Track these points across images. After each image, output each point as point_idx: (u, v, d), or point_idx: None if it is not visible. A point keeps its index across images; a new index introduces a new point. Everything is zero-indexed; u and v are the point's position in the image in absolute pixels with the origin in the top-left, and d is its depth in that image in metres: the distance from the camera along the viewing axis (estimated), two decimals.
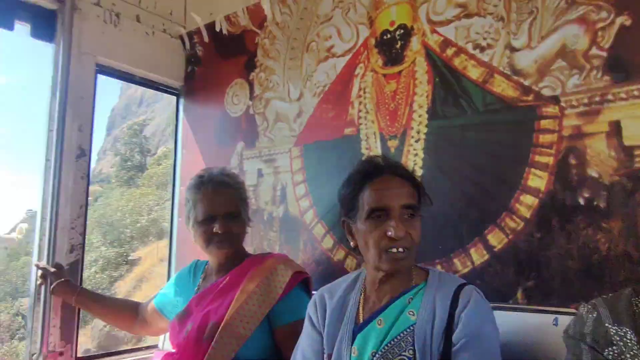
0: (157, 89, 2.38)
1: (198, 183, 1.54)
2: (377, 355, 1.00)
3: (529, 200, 1.31)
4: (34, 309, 1.81)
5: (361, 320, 1.09)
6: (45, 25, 1.95)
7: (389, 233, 1.01)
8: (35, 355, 1.77)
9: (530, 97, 1.34)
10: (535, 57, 1.34)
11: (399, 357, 0.98)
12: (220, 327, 1.36)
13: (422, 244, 1.11)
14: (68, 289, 1.75)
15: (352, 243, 1.13)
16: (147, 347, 2.13)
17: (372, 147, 1.65)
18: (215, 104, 2.20)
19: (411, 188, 1.08)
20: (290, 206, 1.86)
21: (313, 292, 1.57)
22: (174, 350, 1.51)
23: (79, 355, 1.92)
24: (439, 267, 1.44)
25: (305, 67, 1.88)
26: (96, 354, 2.01)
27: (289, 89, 1.93)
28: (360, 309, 1.11)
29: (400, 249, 1.02)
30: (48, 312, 1.80)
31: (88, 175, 2.01)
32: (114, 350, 2.07)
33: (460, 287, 1.02)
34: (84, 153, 1.99)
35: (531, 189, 1.31)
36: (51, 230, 1.84)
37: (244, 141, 2.06)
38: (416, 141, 1.54)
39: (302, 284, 1.49)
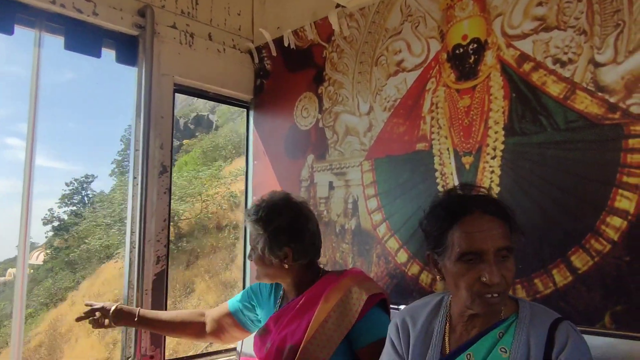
0: (229, 103, 2.48)
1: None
2: None
3: (617, 222, 1.27)
4: None
5: (447, 352, 1.10)
6: (128, 50, 2.08)
7: (484, 279, 0.99)
8: (130, 359, 1.93)
9: (617, 115, 1.29)
10: (622, 73, 1.29)
11: None
12: (298, 352, 1.39)
13: None
14: (126, 313, 1.73)
15: (438, 277, 1.13)
16: (227, 350, 2.25)
17: (445, 163, 1.65)
18: (284, 116, 2.27)
19: (504, 227, 1.04)
20: (362, 219, 1.90)
21: (392, 307, 1.61)
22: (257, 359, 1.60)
23: (166, 358, 2.07)
24: (518, 287, 1.43)
25: (374, 81, 1.90)
26: (183, 357, 2.15)
27: (358, 103, 1.95)
28: (447, 338, 1.12)
29: (495, 294, 1.01)
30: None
31: (169, 190, 2.14)
32: (198, 353, 2.21)
33: (555, 324, 1.01)
34: (165, 169, 2.12)
35: (618, 210, 1.27)
36: (140, 243, 1.99)
37: (314, 154, 2.12)
38: (492, 158, 1.53)
39: (379, 303, 1.49)
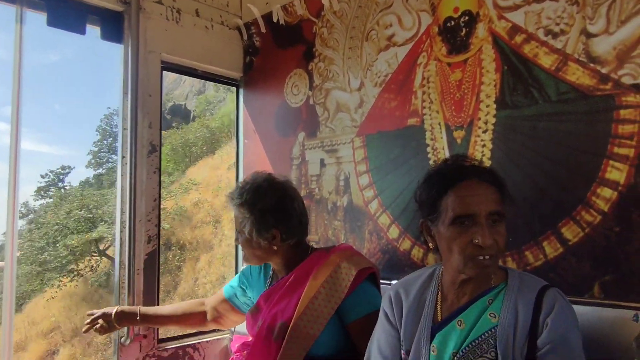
0: (218, 81, 2.45)
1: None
2: (457, 356, 1.03)
3: (607, 193, 1.27)
4: (119, 296, 1.96)
5: (440, 319, 1.11)
6: (113, 27, 2.03)
7: (476, 241, 1.01)
8: (123, 339, 1.93)
9: (609, 86, 1.29)
10: (614, 43, 1.28)
11: (480, 359, 1.01)
12: (289, 328, 1.40)
13: None
14: (127, 314, 1.75)
15: (430, 244, 1.14)
16: (220, 330, 2.26)
17: (437, 138, 1.64)
18: (275, 94, 2.24)
19: (497, 192, 1.07)
20: (354, 196, 1.90)
21: (384, 282, 1.62)
22: (250, 338, 1.60)
23: (160, 337, 2.07)
24: (509, 259, 1.44)
25: (365, 56, 1.88)
26: (175, 336, 2.15)
27: (349, 79, 1.93)
28: (438, 307, 1.13)
29: (487, 257, 1.02)
30: (132, 301, 1.94)
31: (159, 170, 2.12)
32: (191, 332, 2.21)
33: (543, 290, 1.03)
34: (154, 149, 2.09)
35: (609, 181, 1.27)
36: (130, 223, 1.97)
37: (305, 131, 2.10)
38: (484, 132, 1.52)
39: (369, 277, 1.50)
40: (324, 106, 2.02)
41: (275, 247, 1.52)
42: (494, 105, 1.50)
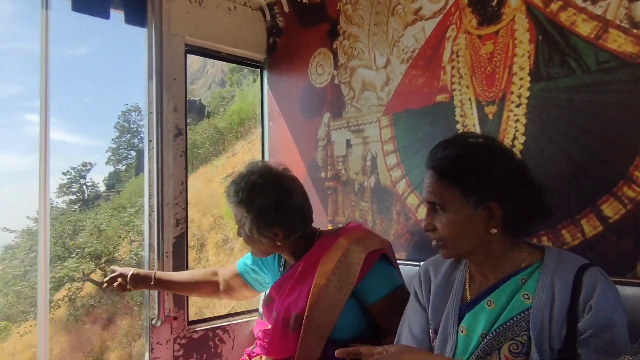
0: (242, 63, 2.42)
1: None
2: (487, 338, 0.99)
3: None
4: None
5: (468, 299, 1.08)
6: (136, 11, 2.02)
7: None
8: (154, 320, 1.96)
9: None
10: None
11: (511, 342, 0.96)
12: (303, 320, 1.36)
13: None
14: (142, 277, 1.75)
15: None
16: (249, 311, 2.27)
17: (467, 114, 1.58)
18: (299, 75, 2.21)
19: (436, 182, 1.04)
20: (381, 176, 1.86)
21: (412, 263, 1.58)
22: (269, 326, 1.58)
23: (190, 319, 2.10)
24: (544, 239, 1.38)
25: (391, 32, 1.82)
26: (205, 318, 2.17)
27: (374, 56, 1.88)
28: (467, 287, 1.09)
29: (434, 241, 1.07)
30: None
31: (185, 153, 2.12)
32: (222, 314, 2.23)
33: (582, 269, 0.97)
34: (180, 132, 2.09)
35: None
36: (158, 206, 1.98)
37: (330, 112, 2.06)
38: (517, 106, 1.46)
39: (381, 256, 1.44)
40: (350, 85, 1.98)
41: (278, 243, 1.46)
42: (528, 78, 1.43)
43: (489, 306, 1.02)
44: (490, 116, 1.52)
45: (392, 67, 1.82)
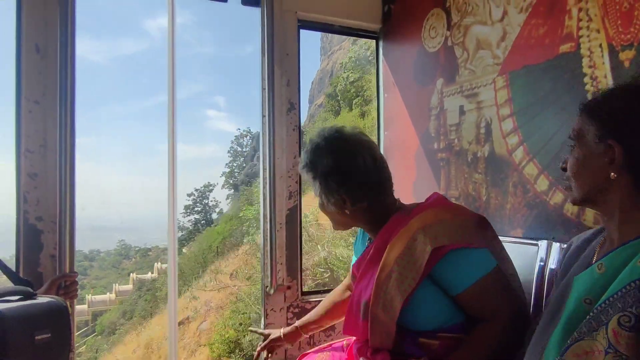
0: (357, 35, 2.38)
1: None
2: (594, 308, 0.82)
3: None
4: (264, 248, 2.07)
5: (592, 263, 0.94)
6: None
7: None
8: (268, 288, 2.05)
9: None
10: None
11: (621, 314, 0.77)
12: (369, 311, 1.25)
13: None
14: (290, 333, 1.71)
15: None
16: None
17: (597, 64, 1.31)
18: (412, 41, 2.07)
19: (580, 117, 0.96)
20: (496, 144, 1.65)
21: (530, 242, 1.39)
22: None
23: (303, 290, 2.15)
24: None
25: None
26: (317, 290, 2.21)
27: (490, 9, 1.67)
28: (597, 252, 0.97)
29: (564, 179, 1.02)
30: (275, 252, 2.04)
31: (299, 127, 2.16)
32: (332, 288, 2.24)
33: None
34: (293, 107, 2.14)
35: None
36: (271, 179, 2.06)
37: (443, 77, 1.90)
38: None
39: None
40: (463, 46, 1.79)
41: (347, 212, 1.34)
42: None
43: (599, 270, 0.88)
44: (627, 63, 1.23)
45: (509, 18, 1.59)
